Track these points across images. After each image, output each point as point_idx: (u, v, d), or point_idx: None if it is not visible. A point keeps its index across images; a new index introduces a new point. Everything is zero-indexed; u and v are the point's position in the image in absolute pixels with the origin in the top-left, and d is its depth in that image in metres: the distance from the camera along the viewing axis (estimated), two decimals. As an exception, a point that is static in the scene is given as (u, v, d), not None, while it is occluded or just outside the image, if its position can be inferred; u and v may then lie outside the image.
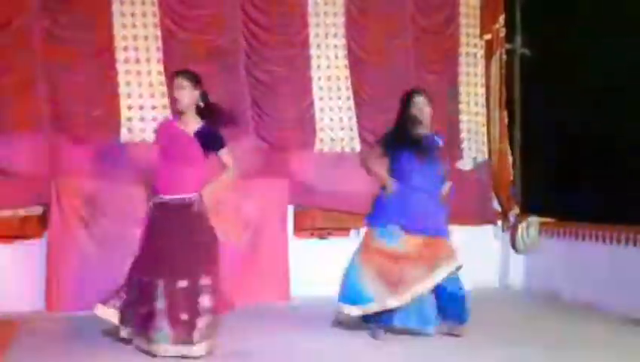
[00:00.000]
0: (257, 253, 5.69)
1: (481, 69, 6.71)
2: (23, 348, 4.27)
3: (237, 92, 5.90)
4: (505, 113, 6.65)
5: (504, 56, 6.66)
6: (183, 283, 3.97)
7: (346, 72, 6.20)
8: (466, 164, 6.60)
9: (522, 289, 6.36)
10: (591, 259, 5.63)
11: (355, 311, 4.48)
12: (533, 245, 6.34)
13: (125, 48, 5.70)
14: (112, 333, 4.31)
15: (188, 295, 3.97)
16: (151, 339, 3.98)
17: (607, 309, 5.23)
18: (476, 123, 6.69)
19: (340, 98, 6.19)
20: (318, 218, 5.98)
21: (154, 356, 3.98)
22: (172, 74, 4.43)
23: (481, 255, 6.32)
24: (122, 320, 4.15)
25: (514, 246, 6.44)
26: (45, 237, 5.34)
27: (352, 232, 5.96)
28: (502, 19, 6.61)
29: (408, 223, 4.53)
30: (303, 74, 6.07)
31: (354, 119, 6.17)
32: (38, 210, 5.38)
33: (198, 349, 3.97)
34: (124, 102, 5.64)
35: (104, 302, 4.19)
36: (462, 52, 6.65)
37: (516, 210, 6.55)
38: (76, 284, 5.19)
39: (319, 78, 6.14)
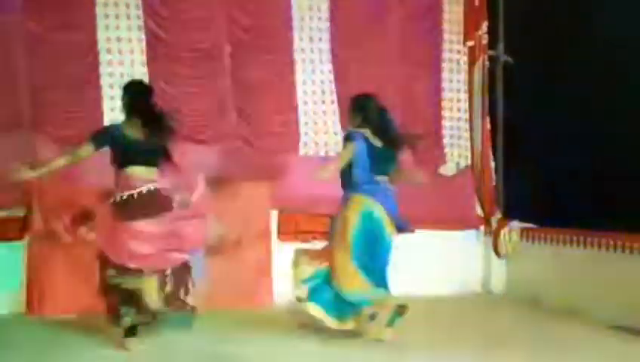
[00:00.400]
0: (240, 256, 5.61)
1: (464, 75, 6.70)
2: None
3: (221, 95, 5.85)
4: (487, 119, 6.65)
5: (487, 63, 6.66)
6: None
7: (331, 77, 6.17)
8: (449, 170, 6.59)
9: (504, 294, 6.34)
10: (572, 265, 5.62)
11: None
12: (515, 250, 6.33)
13: (109, 50, 5.63)
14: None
15: None
16: None
17: (588, 315, 5.22)
18: (459, 129, 6.68)
19: (324, 102, 6.15)
20: (301, 222, 5.92)
21: None
22: None
23: (464, 259, 6.32)
24: None
25: (496, 251, 6.43)
26: (26, 240, 5.24)
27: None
28: (485, 26, 6.61)
29: None
30: (287, 78, 6.03)
31: (338, 124, 6.13)
32: (19, 212, 5.28)
33: None
34: (107, 105, 5.56)
35: None
36: (445, 58, 6.65)
37: (498, 215, 6.55)
38: (57, 287, 5.08)
39: (304, 83, 6.10)
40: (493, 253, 6.43)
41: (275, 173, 5.78)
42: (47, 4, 5.42)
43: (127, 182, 4.18)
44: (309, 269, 4.50)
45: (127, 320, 4.15)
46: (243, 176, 5.69)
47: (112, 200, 4.21)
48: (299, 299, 4.50)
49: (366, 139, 4.51)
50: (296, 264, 4.58)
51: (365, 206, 4.48)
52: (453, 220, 6.34)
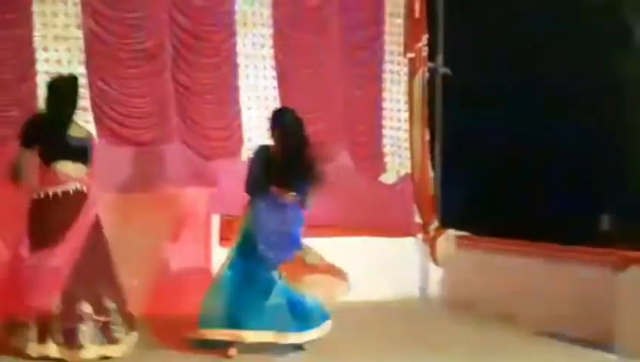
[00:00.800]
0: (178, 262, 5.44)
1: (404, 86, 6.77)
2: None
3: (162, 97, 5.69)
4: (426, 130, 6.74)
5: (427, 75, 6.76)
6: None
7: (274, 83, 6.11)
8: (389, 178, 6.63)
9: (440, 300, 6.41)
10: (504, 272, 5.71)
11: None
12: (451, 257, 6.41)
13: (45, 49, 5.39)
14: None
15: None
16: None
17: (518, 321, 5.30)
18: (399, 138, 6.73)
19: (267, 108, 6.06)
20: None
21: None
22: None
23: (403, 266, 6.35)
24: None
25: (433, 258, 6.50)
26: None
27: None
28: (425, 38, 6.70)
29: None
30: (229, 82, 5.93)
31: (281, 130, 6.05)
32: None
33: None
34: (43, 104, 5.30)
35: None
36: (386, 69, 6.70)
37: (436, 224, 6.62)
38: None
39: (247, 88, 6.02)
40: (430, 260, 6.50)
41: (216, 177, 5.66)
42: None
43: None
44: None
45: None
46: (184, 180, 5.54)
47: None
48: None
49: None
50: None
51: None
52: (392, 227, 6.36)
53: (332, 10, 6.36)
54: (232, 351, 4.16)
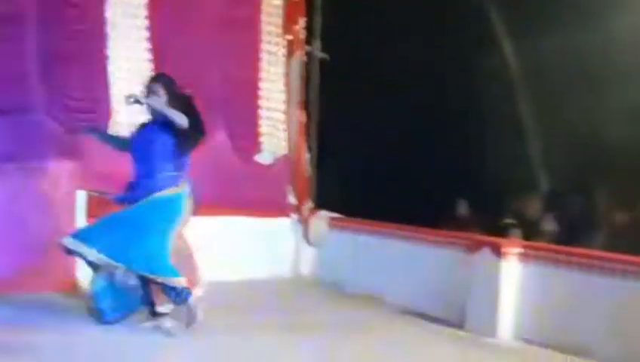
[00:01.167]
0: (41, 238, 5.06)
1: (282, 67, 6.72)
2: None
3: (22, 66, 5.24)
4: (303, 112, 6.74)
5: (304, 58, 6.75)
6: None
7: (147, 55, 5.82)
8: (265, 158, 6.57)
9: (312, 279, 6.45)
10: (373, 253, 5.86)
11: None
12: (323, 238, 6.48)
13: None
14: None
15: None
16: None
17: (384, 300, 5.45)
18: (276, 119, 6.68)
19: (138, 81, 5.77)
20: (113, 204, 5.48)
21: None
22: None
23: (277, 246, 6.33)
24: None
25: (306, 238, 6.53)
26: None
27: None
28: (302, 21, 6.69)
29: None
30: (99, 52, 5.58)
31: (155, 104, 5.79)
32: None
33: None
34: None
35: None
36: (264, 49, 6.61)
37: (310, 205, 6.66)
38: None
39: (118, 59, 5.69)
40: (303, 240, 6.53)
41: (82, 151, 5.31)
42: None
43: None
44: None
45: None
46: (46, 152, 5.16)
47: None
48: None
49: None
50: None
51: None
52: (267, 207, 6.32)
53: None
54: None
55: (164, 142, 4.26)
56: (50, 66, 5.37)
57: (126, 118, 5.64)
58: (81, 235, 4.23)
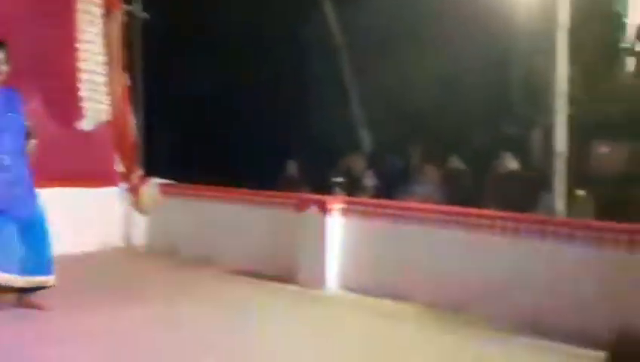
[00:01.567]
0: None
1: (100, 27, 6.30)
2: None
3: None
4: (126, 76, 6.40)
5: (124, 18, 6.39)
6: None
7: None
8: (87, 124, 6.17)
9: (146, 248, 6.26)
10: (205, 217, 5.82)
11: None
12: (155, 206, 6.29)
13: None
14: None
15: None
16: None
17: (218, 262, 5.44)
18: (97, 82, 6.27)
19: None
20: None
21: None
22: None
23: (106, 216, 6.05)
24: None
25: (137, 207, 6.29)
26: None
27: None
28: (119, -22, 6.31)
29: None
30: None
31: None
32: None
33: None
34: None
35: None
36: (80, 8, 6.15)
37: (139, 172, 6.40)
38: None
39: None
40: (134, 209, 6.28)
41: None
42: None
43: None
44: None
45: None
46: None
47: None
48: None
49: None
50: None
51: None
52: (93, 177, 5.98)
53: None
54: None
55: None
56: None
57: None
58: None
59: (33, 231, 4.10)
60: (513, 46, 7.32)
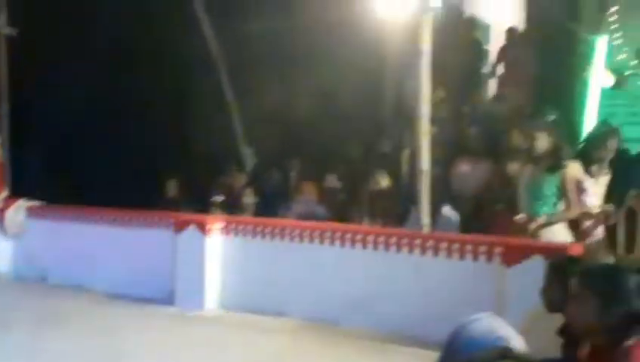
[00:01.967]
0: None
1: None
2: None
3: None
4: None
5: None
6: None
7: None
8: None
9: (11, 274, 5.94)
10: (76, 240, 5.62)
11: None
12: (21, 228, 5.99)
13: None
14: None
15: None
16: None
17: (94, 288, 5.29)
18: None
19: None
20: None
21: None
22: None
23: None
24: None
25: (3, 231, 5.97)
26: None
27: None
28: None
29: None
30: None
31: None
32: None
33: None
34: None
35: None
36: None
37: (5, 194, 6.08)
38: None
39: None
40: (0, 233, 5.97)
41: None
42: None
43: None
44: None
45: None
46: None
47: None
48: None
49: None
50: None
51: None
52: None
53: None
54: None
55: None
56: None
57: None
58: None
59: None
60: (387, 70, 7.64)
